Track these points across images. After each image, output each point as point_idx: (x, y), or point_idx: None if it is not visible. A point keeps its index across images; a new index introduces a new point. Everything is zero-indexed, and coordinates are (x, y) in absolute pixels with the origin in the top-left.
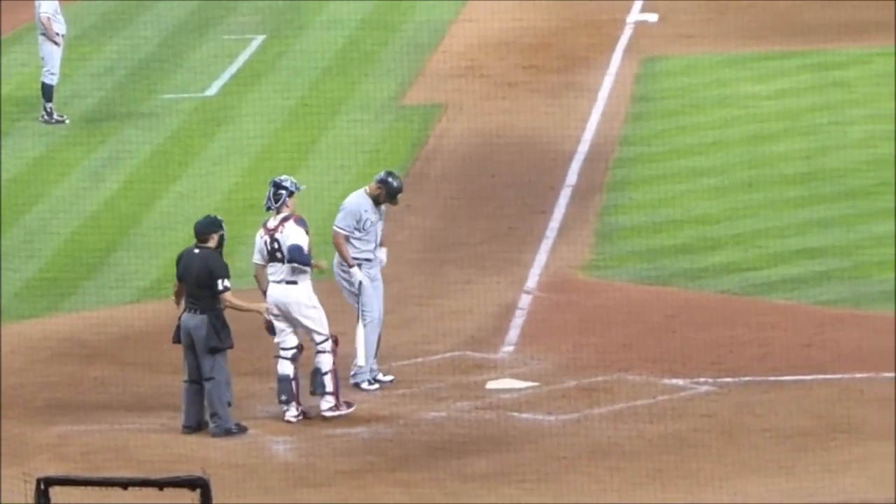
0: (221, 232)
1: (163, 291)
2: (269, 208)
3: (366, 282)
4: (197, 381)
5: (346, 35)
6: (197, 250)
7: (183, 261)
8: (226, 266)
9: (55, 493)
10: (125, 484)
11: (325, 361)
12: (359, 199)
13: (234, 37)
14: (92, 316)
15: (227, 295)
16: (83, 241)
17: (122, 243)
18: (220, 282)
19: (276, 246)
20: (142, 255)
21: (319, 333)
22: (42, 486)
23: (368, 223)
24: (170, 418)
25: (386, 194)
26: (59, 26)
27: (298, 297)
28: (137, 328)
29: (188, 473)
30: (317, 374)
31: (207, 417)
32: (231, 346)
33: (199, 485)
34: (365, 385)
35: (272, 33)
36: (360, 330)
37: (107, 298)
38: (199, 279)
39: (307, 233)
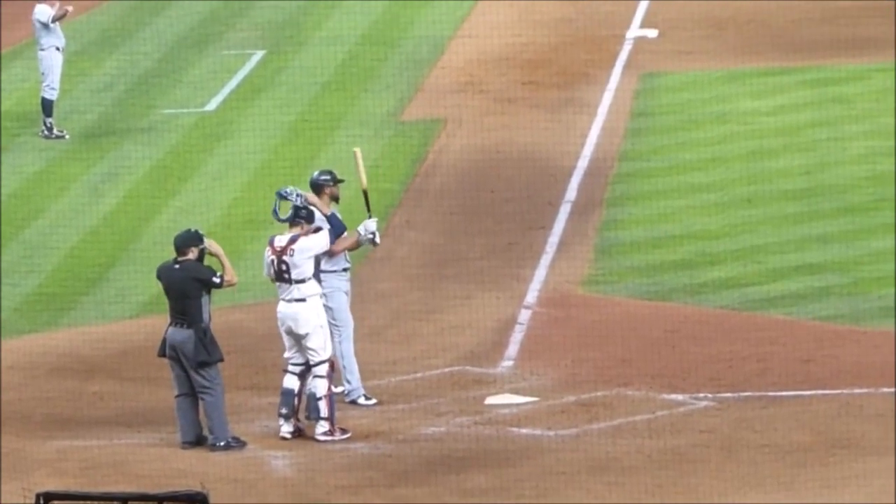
0: (202, 246)
1: (162, 307)
2: (283, 221)
3: (341, 297)
4: (188, 393)
5: (346, 51)
6: (177, 265)
7: (163, 276)
8: (210, 268)
9: None
10: (124, 499)
11: (321, 386)
12: (317, 212)
13: (234, 52)
14: (91, 331)
15: (226, 278)
16: (83, 257)
17: (121, 258)
18: (214, 279)
19: (283, 267)
20: (141, 270)
21: (318, 355)
22: (41, 501)
23: None
24: (169, 433)
25: (333, 186)
26: (58, 39)
27: (308, 315)
28: (136, 343)
29: (187, 488)
30: (311, 399)
31: (206, 432)
32: (221, 359)
33: (197, 499)
34: (361, 401)
35: (272, 49)
36: (338, 348)
37: (106, 313)
38: (185, 292)
39: (323, 231)
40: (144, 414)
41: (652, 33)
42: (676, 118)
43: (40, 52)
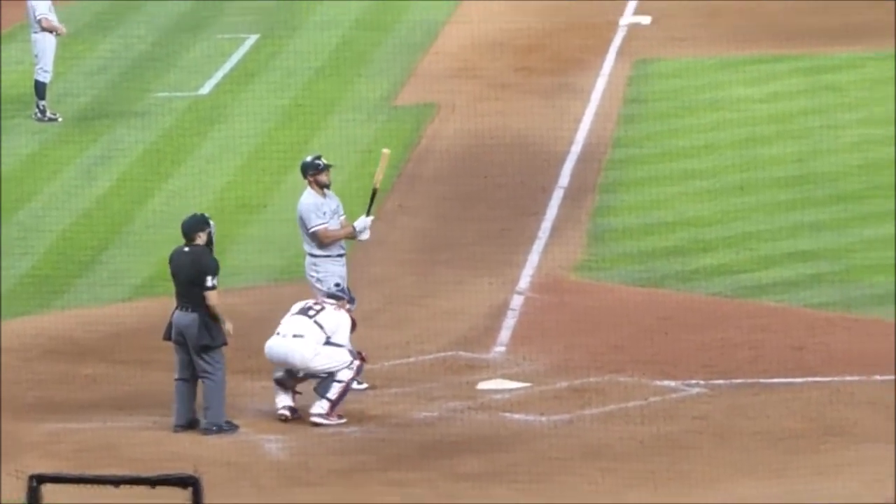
0: (209, 229)
1: (155, 289)
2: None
3: (339, 282)
4: (188, 378)
5: (340, 35)
6: (187, 248)
7: (174, 260)
8: (216, 264)
9: (47, 490)
10: (117, 482)
11: (345, 374)
12: (309, 198)
13: (228, 36)
14: (84, 314)
15: (213, 294)
16: (76, 239)
17: (114, 241)
18: (208, 279)
19: (317, 308)
20: (134, 253)
21: (342, 363)
22: (34, 484)
23: (330, 213)
24: (161, 416)
25: (314, 173)
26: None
27: (303, 349)
28: (129, 326)
29: (179, 471)
30: (330, 377)
31: (199, 416)
32: (224, 344)
33: (190, 483)
34: (354, 385)
35: (265, 33)
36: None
37: (99, 296)
38: (191, 277)
39: (353, 329)
40: (137, 397)
41: (645, 20)
42: (669, 105)
43: (34, 35)
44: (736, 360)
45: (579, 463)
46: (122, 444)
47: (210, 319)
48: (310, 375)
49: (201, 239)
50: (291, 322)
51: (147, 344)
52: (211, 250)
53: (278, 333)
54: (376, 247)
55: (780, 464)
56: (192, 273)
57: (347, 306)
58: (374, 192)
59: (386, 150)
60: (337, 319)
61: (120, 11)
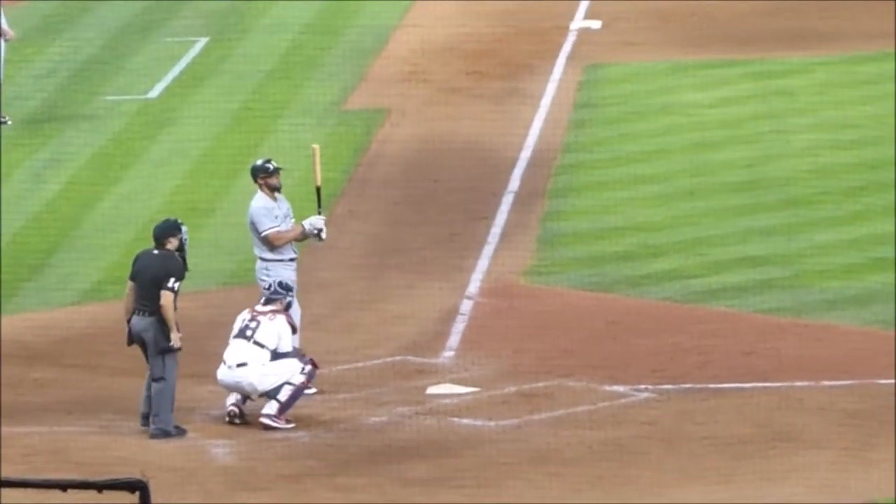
0: (181, 235)
1: (104, 294)
2: (266, 299)
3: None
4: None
5: (290, 39)
6: (156, 252)
7: (140, 261)
8: (182, 270)
9: None
10: (64, 486)
11: (297, 378)
12: (260, 202)
13: (177, 39)
14: (33, 317)
15: (168, 295)
16: (24, 243)
17: (63, 245)
18: (171, 280)
19: (252, 325)
20: (83, 258)
21: (293, 373)
22: None
23: (281, 216)
24: (109, 420)
25: (265, 176)
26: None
27: (250, 377)
28: (78, 330)
29: (127, 476)
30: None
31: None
32: (179, 348)
33: (137, 487)
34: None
35: (215, 36)
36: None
37: (48, 300)
38: (155, 279)
39: (294, 333)
40: (85, 402)
41: (596, 25)
42: (620, 110)
43: None
44: (685, 366)
45: (527, 468)
46: (70, 448)
47: (167, 325)
48: (267, 396)
49: (172, 244)
50: (233, 349)
51: (96, 348)
52: (183, 257)
53: (224, 363)
54: (326, 251)
55: (728, 469)
56: (156, 274)
57: (286, 301)
58: (318, 190)
59: (315, 146)
60: (276, 329)
61: (69, 14)
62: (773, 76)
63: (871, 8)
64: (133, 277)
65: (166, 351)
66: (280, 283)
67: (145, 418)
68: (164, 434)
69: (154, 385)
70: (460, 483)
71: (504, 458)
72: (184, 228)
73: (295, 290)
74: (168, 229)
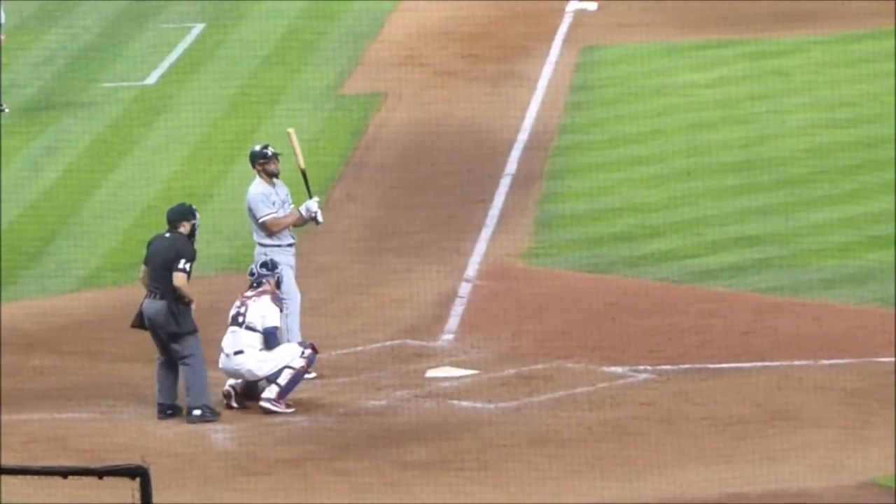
0: (194, 221)
1: (103, 280)
2: (253, 283)
3: (287, 271)
4: (166, 361)
5: (286, 24)
6: (168, 234)
7: (153, 244)
8: (194, 252)
9: None
10: (65, 473)
11: (297, 362)
12: (258, 188)
13: (174, 25)
14: (32, 305)
15: (181, 276)
16: (23, 231)
17: (61, 232)
18: (182, 261)
19: (242, 311)
20: (81, 244)
21: (293, 356)
22: None
23: (279, 202)
24: (109, 407)
25: (263, 162)
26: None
27: (248, 363)
28: (77, 317)
29: (127, 462)
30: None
31: (184, 403)
32: (194, 330)
33: (138, 473)
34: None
35: (211, 22)
36: (284, 321)
37: (46, 287)
38: (167, 262)
39: (280, 310)
40: (85, 388)
41: (591, 6)
42: (616, 91)
43: None
44: (683, 346)
45: (527, 450)
46: (69, 435)
47: (177, 305)
48: (269, 380)
49: (185, 228)
50: (229, 337)
51: (95, 335)
52: (192, 242)
53: (223, 351)
54: (323, 235)
55: (727, 449)
56: (168, 257)
57: (274, 279)
58: (304, 173)
59: (290, 129)
60: (260, 309)
61: (65, 2)
62: (769, 56)
63: None
64: (146, 261)
65: (176, 335)
66: (262, 264)
67: (163, 409)
68: (200, 414)
69: (183, 367)
70: (460, 465)
71: (503, 440)
72: (197, 216)
73: (293, 274)
74: (182, 213)
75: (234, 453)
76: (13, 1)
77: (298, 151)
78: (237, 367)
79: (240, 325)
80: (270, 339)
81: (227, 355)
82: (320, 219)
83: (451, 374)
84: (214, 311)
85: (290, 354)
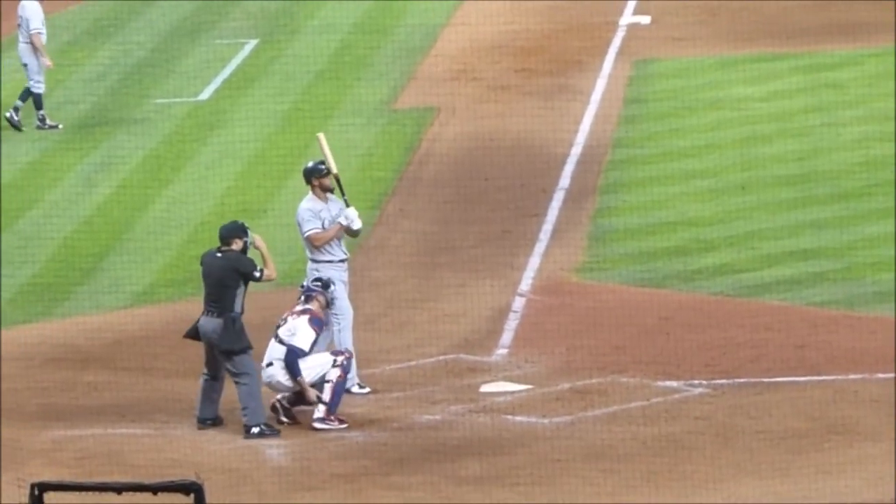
0: (246, 238)
1: (156, 296)
2: (301, 296)
3: (339, 287)
4: (211, 376)
5: (339, 39)
6: (219, 254)
7: (205, 263)
8: (252, 260)
9: (49, 498)
10: (119, 489)
11: (332, 373)
12: (308, 203)
13: (227, 41)
14: (85, 321)
15: (266, 273)
16: (77, 247)
17: (115, 248)
18: (254, 273)
19: (281, 323)
20: (135, 260)
21: (325, 365)
22: (36, 492)
23: (330, 218)
24: (163, 423)
25: (318, 177)
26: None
27: (277, 375)
28: (130, 333)
29: (182, 478)
30: (321, 380)
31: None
32: (248, 348)
33: (192, 489)
34: (355, 389)
35: (265, 38)
36: (337, 337)
37: (100, 303)
38: (223, 280)
39: (317, 334)
40: (139, 404)
41: (645, 20)
42: (670, 105)
43: (22, 45)
44: (738, 360)
45: (581, 465)
46: (123, 450)
47: (234, 326)
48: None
49: (237, 245)
50: (269, 350)
51: (149, 351)
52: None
53: (262, 363)
54: (377, 251)
55: (783, 463)
56: (224, 276)
57: (325, 298)
58: (337, 179)
59: (320, 134)
60: (294, 325)
61: (119, 17)
62: (822, 69)
63: None
64: (203, 278)
65: (231, 353)
66: (317, 279)
67: (203, 420)
68: (258, 431)
69: (238, 386)
70: (514, 481)
71: (558, 455)
72: (250, 234)
73: (346, 290)
74: (235, 230)
75: (289, 469)
76: (68, 16)
77: (329, 155)
78: (267, 380)
79: (276, 337)
80: (290, 357)
81: (262, 367)
82: (354, 227)
83: (505, 389)
84: (268, 327)
85: (322, 365)
